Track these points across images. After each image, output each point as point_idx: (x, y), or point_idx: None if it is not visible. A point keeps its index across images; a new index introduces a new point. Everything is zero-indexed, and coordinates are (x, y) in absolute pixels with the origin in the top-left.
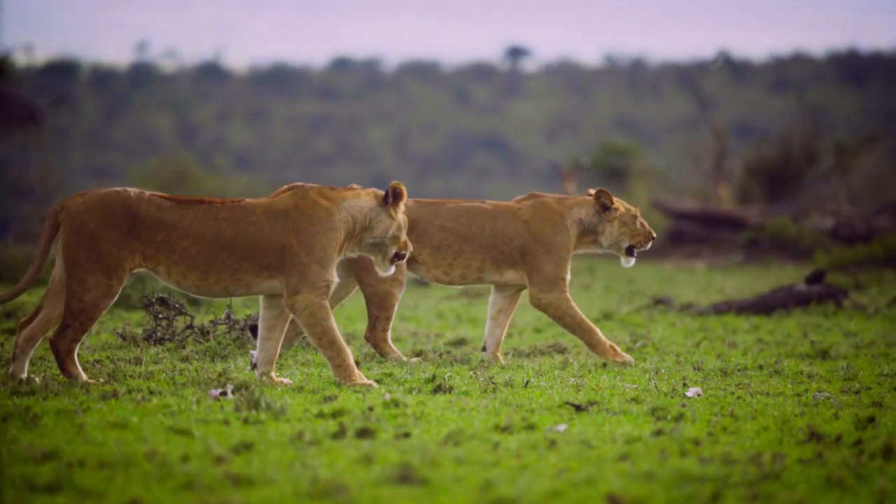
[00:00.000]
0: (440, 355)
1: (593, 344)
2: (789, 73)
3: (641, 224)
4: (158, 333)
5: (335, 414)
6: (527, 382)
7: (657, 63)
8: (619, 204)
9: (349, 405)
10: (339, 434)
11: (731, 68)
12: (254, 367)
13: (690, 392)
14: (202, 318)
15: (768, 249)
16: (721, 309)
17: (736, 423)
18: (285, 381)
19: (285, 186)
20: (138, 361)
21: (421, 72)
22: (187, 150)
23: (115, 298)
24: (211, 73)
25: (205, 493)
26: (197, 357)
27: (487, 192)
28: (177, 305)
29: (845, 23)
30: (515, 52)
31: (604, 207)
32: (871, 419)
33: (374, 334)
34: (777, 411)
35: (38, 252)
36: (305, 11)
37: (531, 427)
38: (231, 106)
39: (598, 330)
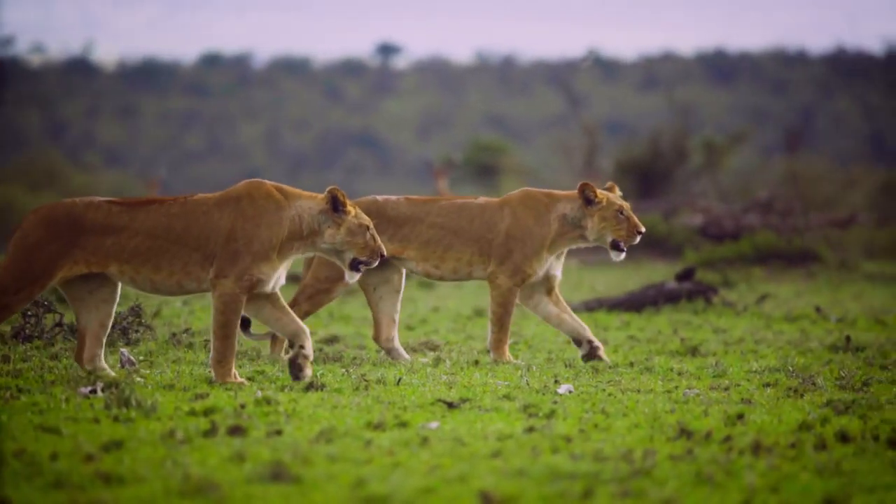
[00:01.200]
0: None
1: (496, 341)
2: (659, 71)
3: (627, 218)
4: (27, 331)
5: (207, 412)
6: (399, 380)
7: (528, 61)
8: (604, 197)
9: (221, 403)
10: (211, 432)
11: (602, 66)
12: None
13: (562, 389)
14: (71, 316)
15: (639, 247)
16: (592, 306)
17: (607, 419)
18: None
19: (243, 182)
20: (6, 359)
21: (292, 68)
22: (56, 146)
23: (29, 304)
24: (79, 69)
25: (75, 492)
26: (66, 355)
27: (360, 190)
28: (45, 303)
29: (713, 23)
30: (387, 49)
31: (587, 201)
32: (741, 416)
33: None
34: (648, 408)
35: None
36: (175, 6)
37: (403, 424)
38: (100, 102)
39: (508, 335)
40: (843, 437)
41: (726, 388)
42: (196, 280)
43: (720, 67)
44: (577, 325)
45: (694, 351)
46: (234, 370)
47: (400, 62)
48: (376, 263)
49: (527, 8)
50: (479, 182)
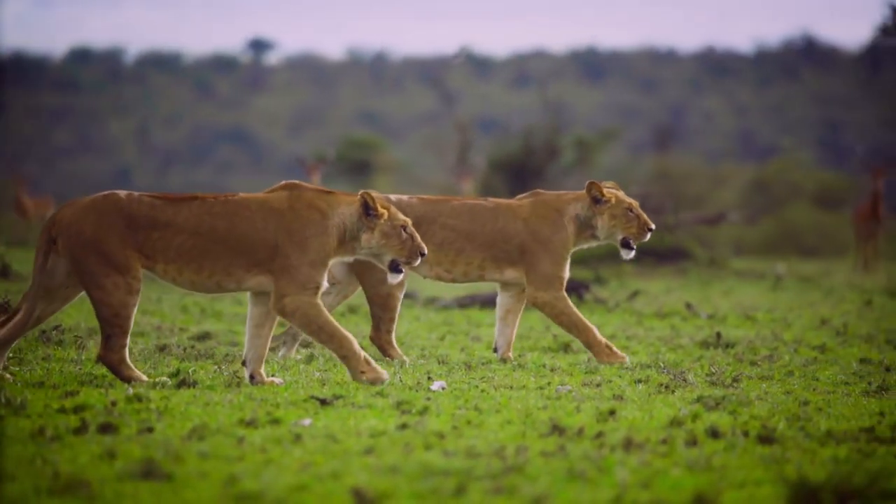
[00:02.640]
0: (184, 350)
1: (590, 343)
2: (531, 68)
3: (636, 216)
4: None
5: (77, 409)
6: (272, 377)
7: (400, 58)
8: (612, 195)
9: (91, 400)
10: (81, 429)
11: (474, 63)
12: (243, 363)
13: (435, 386)
14: None
15: None
16: (465, 303)
17: (480, 416)
18: (276, 380)
19: (281, 183)
20: None
21: (162, 64)
22: None
23: (139, 297)
24: None
25: None
26: None
27: (232, 186)
28: None
29: (585, 21)
30: (258, 45)
31: (594, 200)
32: (612, 412)
33: (379, 335)
34: (520, 404)
35: (36, 271)
36: (43, 0)
37: (276, 421)
38: None
39: (594, 329)
40: (714, 433)
41: (598, 385)
42: (236, 281)
43: (591, 65)
44: (509, 333)
45: (566, 347)
46: (367, 359)
47: (272, 58)
48: (417, 262)
49: (399, 5)
50: (353, 179)
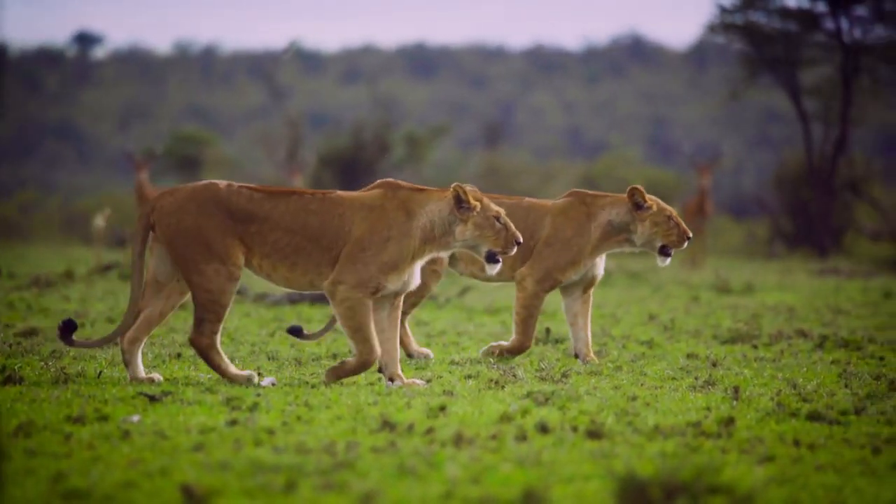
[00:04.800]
0: (10, 346)
1: (513, 347)
2: (360, 64)
3: (676, 224)
4: None
5: None
6: (100, 373)
7: (229, 52)
8: (653, 203)
9: None
10: None
11: (304, 58)
12: (380, 370)
13: (265, 382)
14: None
15: None
16: (295, 298)
17: (310, 412)
18: (418, 382)
19: (377, 182)
20: None
21: None
22: None
23: (238, 284)
24: None
25: None
26: None
27: (59, 182)
28: None
29: (414, 17)
30: (84, 39)
31: (636, 206)
32: (443, 407)
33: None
34: (351, 400)
35: (135, 259)
36: None
37: (104, 418)
38: None
39: (531, 338)
40: (543, 428)
41: (428, 380)
42: (326, 280)
43: (421, 61)
44: (583, 336)
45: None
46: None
47: (98, 52)
48: (513, 251)
49: None
50: (182, 174)
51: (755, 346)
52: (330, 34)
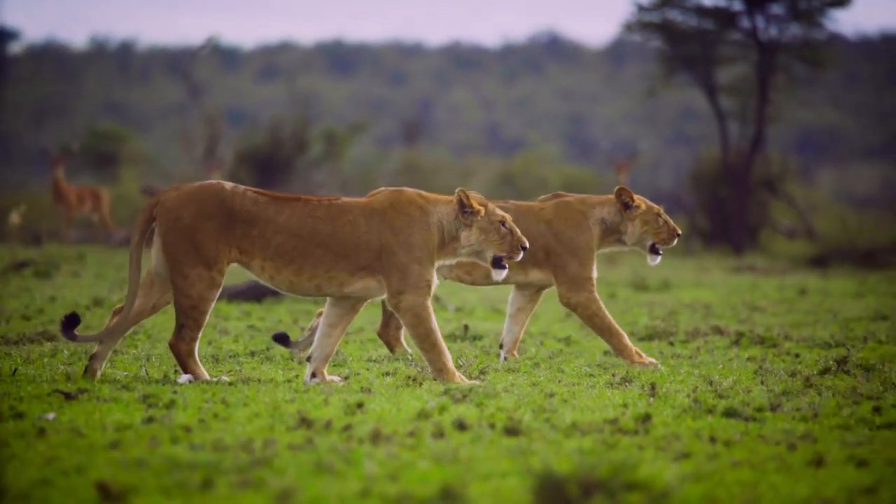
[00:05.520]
0: None
1: (619, 348)
2: (279, 60)
3: (665, 222)
4: None
5: None
6: (14, 370)
7: (146, 47)
8: (641, 202)
9: None
10: None
11: (221, 55)
12: (308, 360)
13: (182, 379)
14: None
15: None
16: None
17: (227, 409)
18: (336, 378)
19: (379, 189)
20: None
21: None
22: None
23: (220, 290)
24: None
25: None
26: None
27: None
28: None
29: (332, 13)
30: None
31: (625, 206)
32: (360, 405)
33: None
34: (268, 397)
35: (133, 248)
36: None
37: (19, 416)
38: None
39: (624, 335)
40: (461, 425)
41: (346, 377)
42: (338, 284)
43: (339, 58)
44: (517, 331)
45: None
46: (455, 371)
47: (14, 48)
48: (520, 256)
49: None
50: (98, 171)
51: (672, 343)
52: (248, 31)
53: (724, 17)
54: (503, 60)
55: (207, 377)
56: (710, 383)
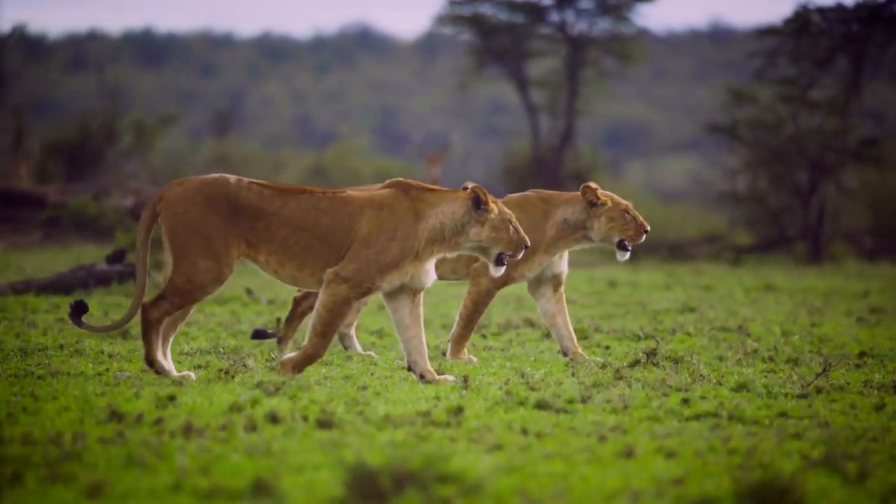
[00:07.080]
0: None
1: (459, 337)
2: (86, 51)
3: (633, 218)
4: None
5: None
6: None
7: None
8: (607, 198)
9: None
10: None
11: (28, 45)
12: (409, 368)
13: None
14: None
15: (68, 228)
16: (20, 289)
17: (36, 403)
18: (449, 378)
19: (388, 181)
20: None
21: None
22: None
23: (223, 286)
24: None
25: None
26: None
27: None
28: None
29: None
30: None
31: (590, 204)
32: (172, 398)
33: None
34: (78, 391)
35: (139, 246)
36: None
37: None
38: None
39: (470, 334)
40: (274, 418)
41: (158, 371)
42: None
43: (148, 48)
44: (566, 333)
45: (126, 334)
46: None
47: None
48: (521, 255)
49: None
50: None
51: (484, 336)
52: (55, 19)
53: (534, 12)
54: (314, 52)
55: (160, 359)
56: (522, 375)
